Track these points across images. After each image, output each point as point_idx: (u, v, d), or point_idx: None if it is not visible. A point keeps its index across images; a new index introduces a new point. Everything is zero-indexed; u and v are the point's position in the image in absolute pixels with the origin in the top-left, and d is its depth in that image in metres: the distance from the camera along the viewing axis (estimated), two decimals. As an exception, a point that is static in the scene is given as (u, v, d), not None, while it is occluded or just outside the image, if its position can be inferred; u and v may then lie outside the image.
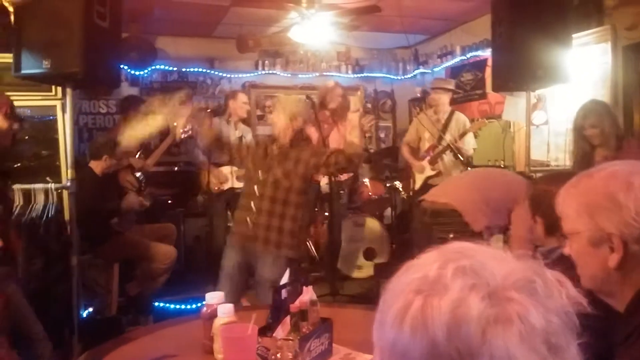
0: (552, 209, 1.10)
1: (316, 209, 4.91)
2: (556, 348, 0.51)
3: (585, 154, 3.17)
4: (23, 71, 2.75)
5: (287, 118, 2.84)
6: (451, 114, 4.79)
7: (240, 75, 6.19)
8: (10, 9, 2.94)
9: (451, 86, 4.99)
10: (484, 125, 4.75)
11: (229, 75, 6.11)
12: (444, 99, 4.82)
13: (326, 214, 4.83)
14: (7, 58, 3.09)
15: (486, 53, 5.19)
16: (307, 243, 5.14)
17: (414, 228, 3.48)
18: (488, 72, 5.15)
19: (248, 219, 2.83)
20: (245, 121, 5.14)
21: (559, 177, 1.23)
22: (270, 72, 6.30)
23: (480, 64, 5.48)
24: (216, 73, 6.06)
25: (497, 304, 0.51)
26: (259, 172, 2.85)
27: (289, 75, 6.37)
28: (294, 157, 2.83)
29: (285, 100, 3.01)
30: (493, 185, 3.04)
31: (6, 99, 2.81)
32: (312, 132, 4.49)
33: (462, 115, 4.83)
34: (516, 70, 3.49)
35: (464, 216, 2.90)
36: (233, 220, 3.01)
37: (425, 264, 0.56)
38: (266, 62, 6.26)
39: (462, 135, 4.57)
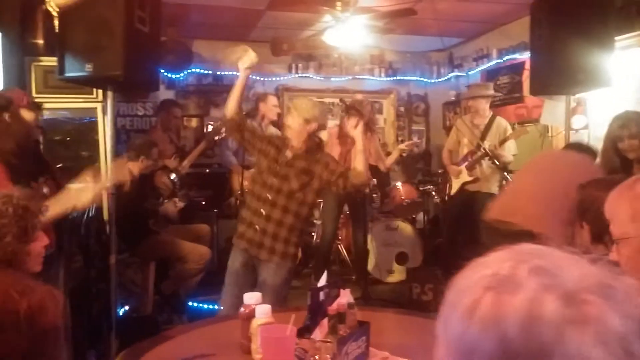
0: (601, 215, 1.07)
1: (347, 212, 4.90)
2: (632, 354, 0.50)
3: (615, 169, 2.86)
4: (66, 74, 2.82)
5: (302, 120, 2.80)
6: (492, 119, 4.65)
7: (273, 79, 6.24)
8: (55, 14, 3.04)
9: (490, 91, 4.83)
10: (525, 133, 4.60)
11: (262, 79, 6.17)
12: (483, 104, 4.67)
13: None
14: (51, 61, 3.19)
15: (523, 56, 5.09)
16: (339, 247, 5.14)
17: (482, 244, 3.14)
18: (525, 75, 5.05)
19: (257, 225, 2.81)
20: (276, 124, 5.15)
21: (609, 183, 1.20)
22: (304, 75, 6.33)
23: (517, 67, 5.38)
24: (250, 76, 6.09)
25: (573, 305, 0.50)
26: (274, 179, 2.80)
27: (322, 78, 6.39)
28: (309, 169, 2.78)
29: (300, 104, 2.93)
30: (557, 186, 2.63)
31: (22, 92, 2.76)
32: (335, 143, 4.47)
33: (503, 120, 4.68)
34: (556, 74, 3.41)
35: (542, 233, 2.58)
36: (239, 220, 2.95)
37: (496, 262, 0.55)
38: (299, 65, 6.30)
39: (503, 142, 4.45)
